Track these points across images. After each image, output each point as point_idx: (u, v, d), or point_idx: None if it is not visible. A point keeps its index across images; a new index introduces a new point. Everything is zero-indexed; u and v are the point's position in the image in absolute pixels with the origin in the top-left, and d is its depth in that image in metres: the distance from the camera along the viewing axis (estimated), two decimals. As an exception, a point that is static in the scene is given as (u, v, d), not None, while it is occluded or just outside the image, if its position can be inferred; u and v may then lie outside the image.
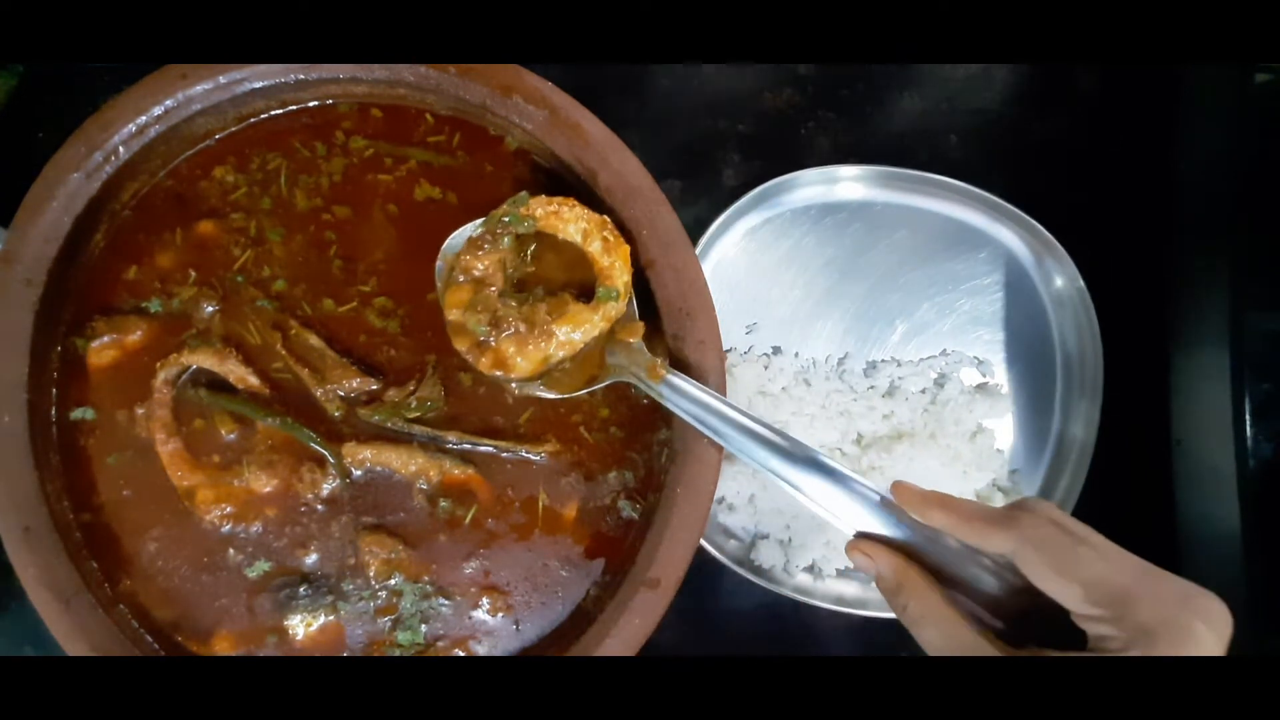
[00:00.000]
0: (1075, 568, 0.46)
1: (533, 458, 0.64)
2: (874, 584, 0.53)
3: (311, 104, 0.68)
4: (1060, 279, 0.82)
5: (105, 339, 0.63)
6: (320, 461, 0.62)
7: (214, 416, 0.63)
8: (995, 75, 0.89)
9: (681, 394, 0.59)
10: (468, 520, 0.63)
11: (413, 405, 0.63)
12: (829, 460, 0.54)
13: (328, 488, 0.63)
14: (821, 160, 0.84)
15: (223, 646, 0.61)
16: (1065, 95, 0.90)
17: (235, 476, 0.62)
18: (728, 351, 0.80)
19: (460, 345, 0.61)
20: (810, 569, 0.78)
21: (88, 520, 0.62)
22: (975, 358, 0.82)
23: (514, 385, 0.63)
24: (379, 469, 0.63)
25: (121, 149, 0.63)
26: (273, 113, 0.68)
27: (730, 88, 0.87)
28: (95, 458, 0.62)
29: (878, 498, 0.53)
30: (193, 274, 0.65)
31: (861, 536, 0.53)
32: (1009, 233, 0.84)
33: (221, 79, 0.64)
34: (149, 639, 0.60)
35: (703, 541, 0.71)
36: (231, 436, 0.63)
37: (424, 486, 0.63)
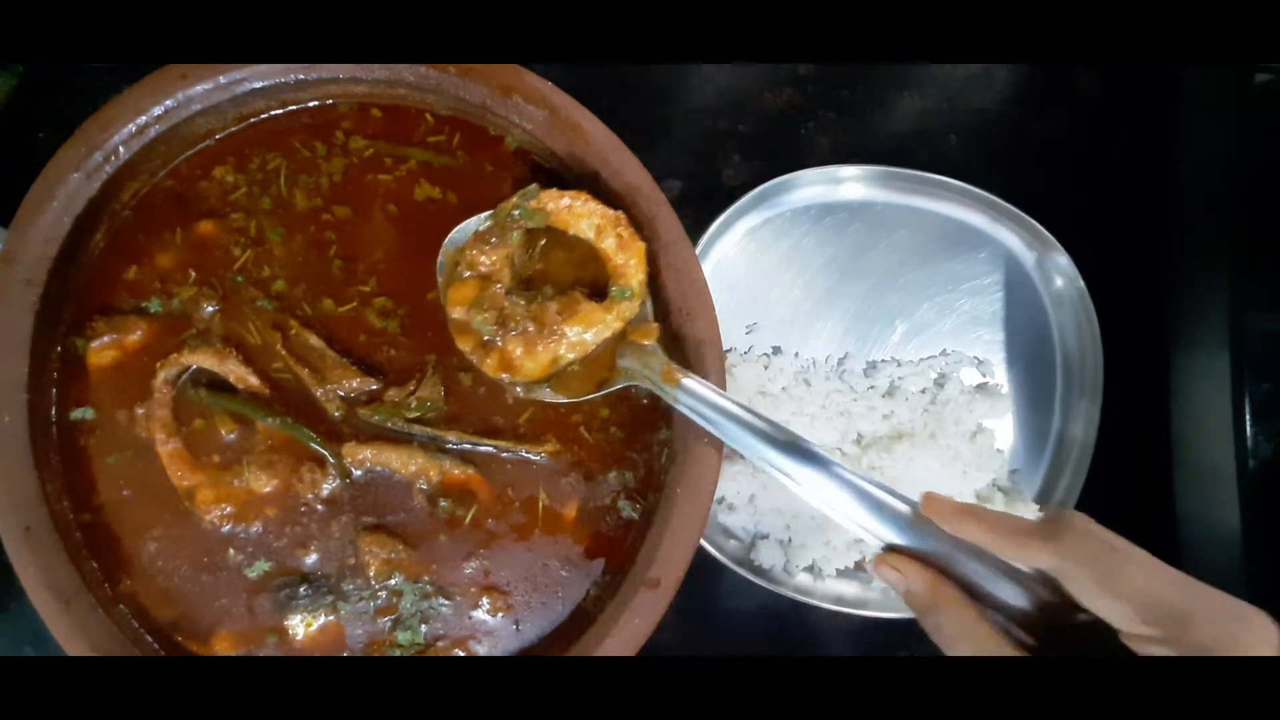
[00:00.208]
0: (1123, 584, 0.44)
1: (533, 458, 0.64)
2: (902, 598, 0.51)
3: (311, 104, 0.68)
4: (1060, 279, 0.82)
5: (105, 339, 0.63)
6: (320, 461, 0.62)
7: (214, 416, 0.63)
8: (995, 75, 0.89)
9: (700, 400, 0.56)
10: (468, 520, 0.63)
11: (413, 405, 0.63)
12: (856, 473, 0.52)
13: (328, 488, 0.63)
14: (821, 160, 0.84)
15: (223, 646, 0.61)
16: (1065, 95, 0.90)
17: (235, 476, 0.62)
18: (728, 351, 0.80)
19: (464, 345, 0.59)
20: (810, 569, 0.78)
21: (88, 520, 0.62)
22: (975, 358, 0.82)
23: (519, 388, 0.60)
24: (379, 469, 0.63)
25: (121, 149, 0.63)
26: (273, 113, 0.68)
27: (730, 88, 0.87)
28: (95, 458, 0.62)
29: (907, 510, 0.51)
30: (193, 274, 0.65)
31: (890, 550, 0.51)
32: (1009, 233, 0.84)
33: (221, 79, 0.64)
34: (149, 639, 0.60)
35: (703, 541, 0.71)
36: (231, 436, 0.63)
37: (424, 486, 0.63)
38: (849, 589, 0.78)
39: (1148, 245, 0.85)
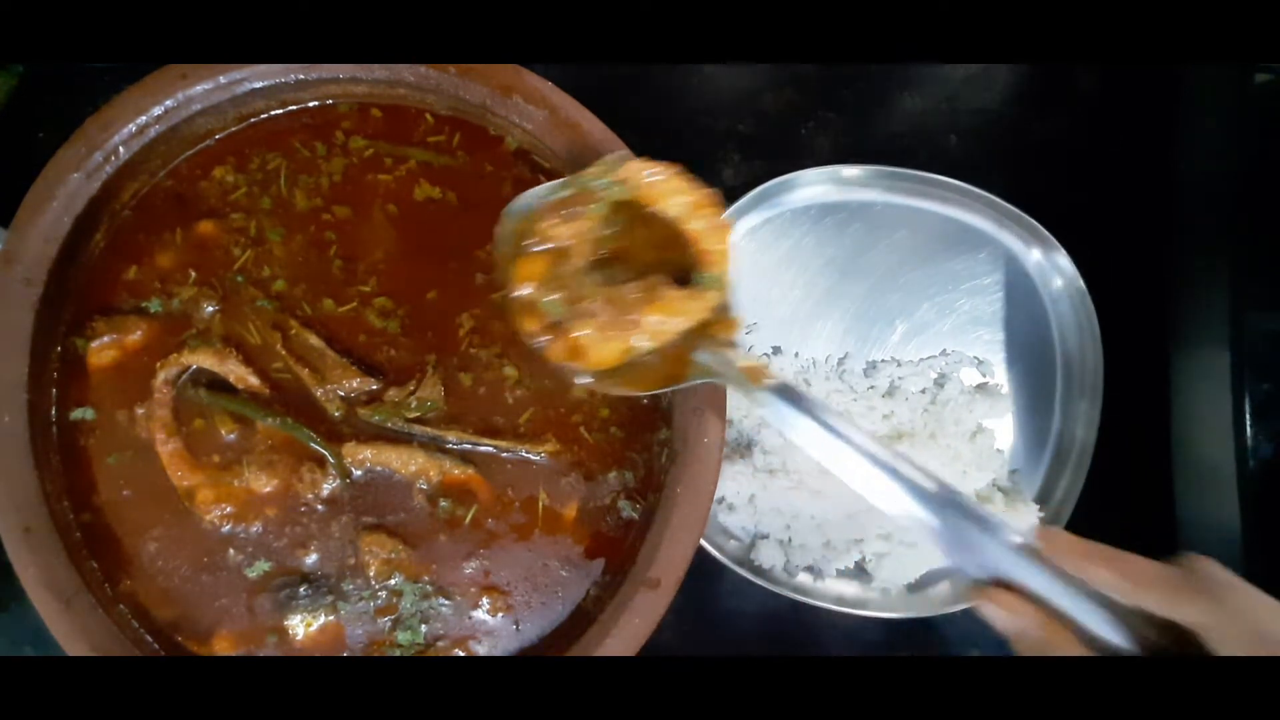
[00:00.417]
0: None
1: (533, 458, 0.64)
2: (1008, 638, 0.47)
3: (311, 104, 0.68)
4: (1060, 279, 0.82)
5: (105, 339, 0.63)
6: (320, 461, 0.62)
7: (214, 416, 0.63)
8: (995, 75, 0.89)
9: (790, 402, 0.51)
10: (468, 520, 0.63)
11: (413, 405, 0.63)
12: (964, 496, 0.48)
13: (328, 488, 0.63)
14: (821, 160, 0.84)
15: (223, 646, 0.61)
16: (1065, 95, 0.90)
17: (235, 476, 0.62)
18: (728, 351, 0.80)
19: (528, 326, 0.53)
20: (810, 569, 0.78)
21: (88, 520, 0.62)
22: (975, 358, 0.82)
23: (584, 379, 0.54)
24: (379, 469, 0.63)
25: (121, 149, 0.63)
26: (273, 113, 0.68)
27: (730, 88, 0.87)
28: (95, 458, 0.62)
29: (1019, 542, 0.46)
30: (193, 274, 0.65)
31: (997, 585, 0.46)
32: (1009, 233, 0.84)
33: (221, 79, 0.64)
34: (149, 639, 0.60)
35: (703, 541, 0.71)
36: (231, 436, 0.63)
37: (424, 486, 0.63)
38: (849, 589, 0.78)
39: (1148, 245, 0.85)
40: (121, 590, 0.61)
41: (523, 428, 0.64)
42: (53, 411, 0.62)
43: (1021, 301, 0.83)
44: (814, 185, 0.83)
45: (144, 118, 0.63)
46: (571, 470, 0.64)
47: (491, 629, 0.62)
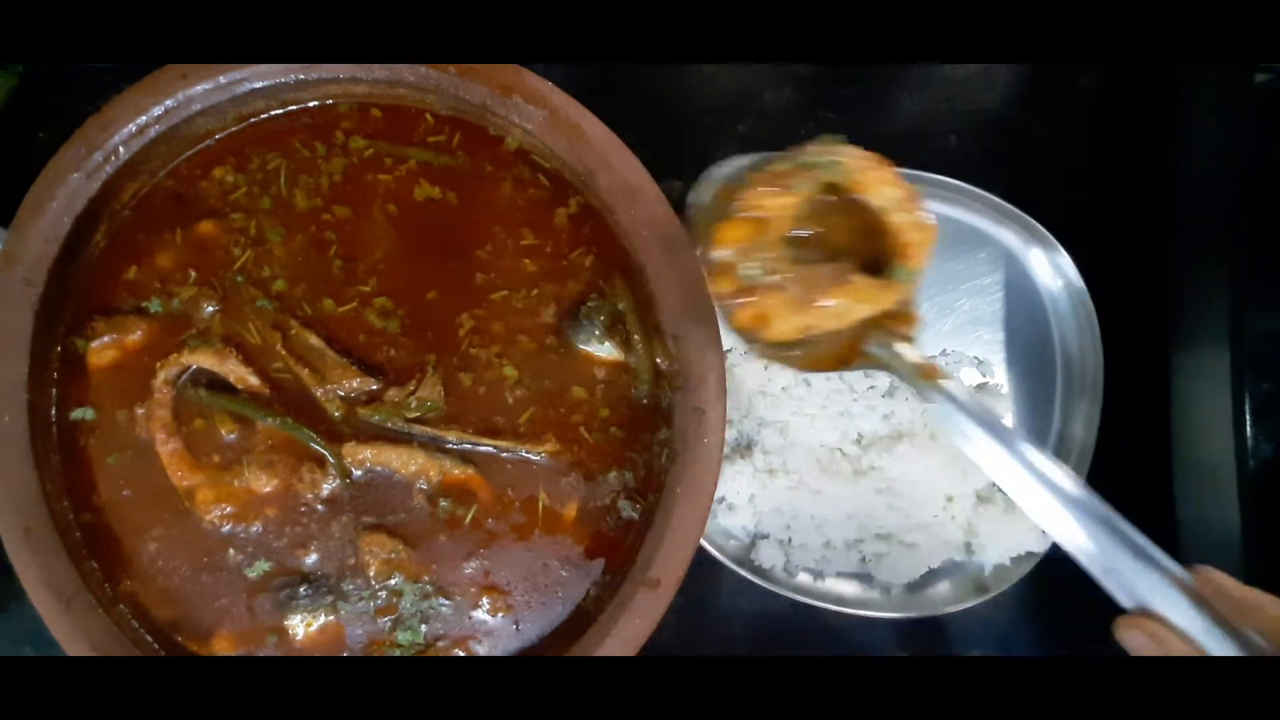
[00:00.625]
0: None
1: (533, 458, 0.64)
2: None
3: (311, 104, 0.68)
4: (1060, 279, 0.82)
5: (105, 339, 0.63)
6: (320, 461, 0.62)
7: (214, 416, 0.63)
8: (995, 75, 0.89)
9: (960, 408, 0.51)
10: (468, 520, 0.63)
11: (413, 405, 0.63)
12: (1124, 521, 0.48)
13: (328, 488, 0.63)
14: (821, 160, 0.84)
15: (223, 646, 0.61)
16: (1065, 95, 0.90)
17: (235, 476, 0.62)
18: (728, 351, 0.80)
19: (720, 288, 0.55)
20: (810, 569, 0.78)
21: (88, 520, 0.62)
22: (975, 358, 0.82)
23: (758, 348, 0.56)
24: (379, 469, 0.63)
25: (121, 149, 0.63)
26: (273, 113, 0.68)
27: (730, 88, 0.87)
28: (95, 458, 0.62)
29: (1177, 576, 0.46)
30: (193, 274, 0.65)
31: (1143, 614, 0.46)
32: (1009, 233, 0.83)
33: (221, 79, 0.64)
34: (149, 639, 0.60)
35: (703, 541, 0.71)
36: (231, 436, 0.63)
37: (424, 486, 0.63)
38: (849, 589, 0.78)
39: (1148, 245, 0.85)
40: (121, 590, 0.61)
41: (523, 428, 0.64)
42: (53, 411, 0.62)
43: (1021, 301, 0.83)
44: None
45: (144, 118, 0.63)
46: (571, 470, 0.64)
47: (491, 629, 0.62)
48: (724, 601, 0.81)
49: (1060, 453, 0.81)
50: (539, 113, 0.65)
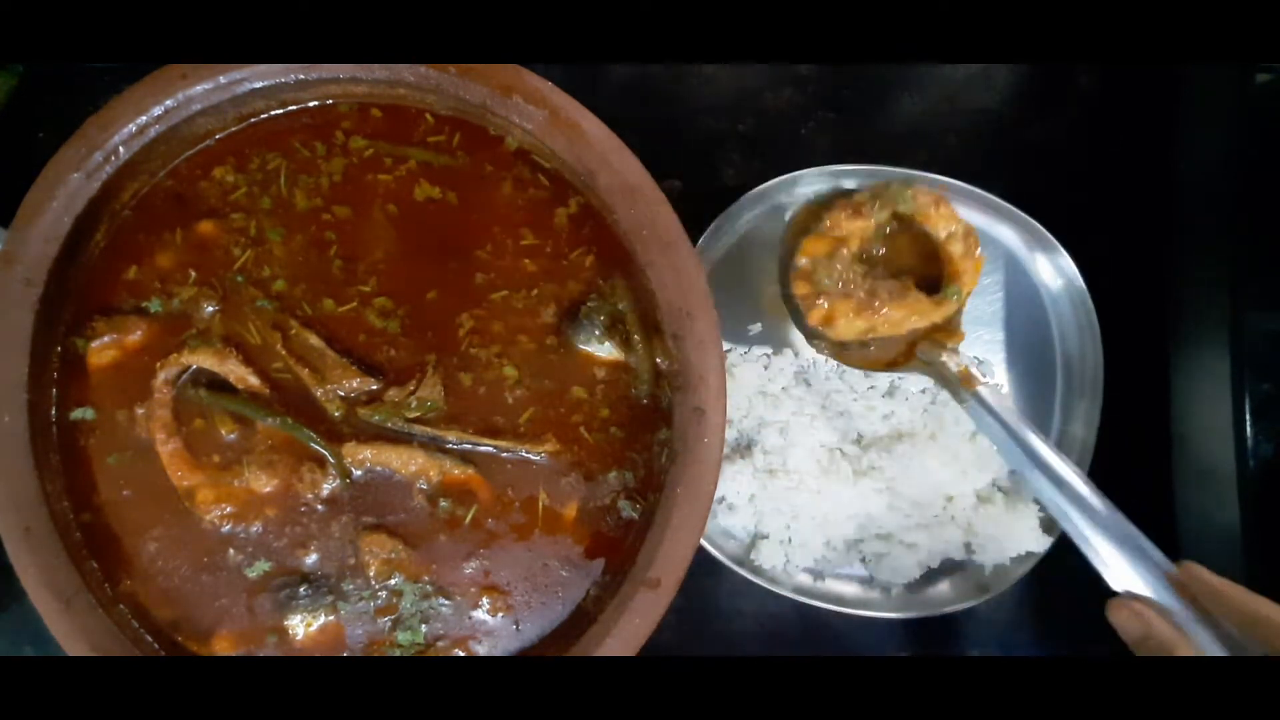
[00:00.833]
0: None
1: (533, 458, 0.64)
2: (1134, 643, 0.54)
3: (311, 104, 0.68)
4: (1060, 279, 0.82)
5: (105, 339, 0.63)
6: (320, 461, 0.62)
7: (214, 416, 0.63)
8: (995, 75, 0.89)
9: (989, 411, 0.63)
10: (468, 520, 0.63)
11: (413, 405, 0.63)
12: (1123, 518, 0.57)
13: (328, 488, 0.63)
14: (821, 160, 0.84)
15: (223, 646, 0.61)
16: (1065, 95, 0.90)
17: (235, 476, 0.62)
18: (728, 351, 0.80)
19: (799, 290, 0.67)
20: (810, 569, 0.78)
21: (88, 520, 0.62)
22: (975, 358, 0.82)
23: (825, 345, 0.68)
24: (379, 469, 0.63)
25: (121, 149, 0.63)
26: (273, 113, 0.68)
27: (730, 88, 0.87)
28: (95, 458, 0.62)
29: (1166, 568, 0.55)
30: (193, 274, 0.65)
31: (1133, 596, 0.55)
32: (1009, 233, 0.83)
33: (221, 79, 0.64)
34: (149, 639, 0.60)
35: (703, 541, 0.71)
36: (231, 436, 0.63)
37: (424, 486, 0.63)
38: (849, 589, 0.78)
39: (1148, 245, 0.85)
40: (121, 590, 0.61)
41: (523, 428, 0.64)
42: (53, 411, 0.62)
43: (1021, 301, 0.83)
44: (814, 185, 0.83)
45: (144, 118, 0.63)
46: (571, 470, 0.64)
47: (491, 629, 0.62)
48: (724, 601, 0.81)
49: (1060, 452, 0.81)
50: (539, 113, 0.65)
